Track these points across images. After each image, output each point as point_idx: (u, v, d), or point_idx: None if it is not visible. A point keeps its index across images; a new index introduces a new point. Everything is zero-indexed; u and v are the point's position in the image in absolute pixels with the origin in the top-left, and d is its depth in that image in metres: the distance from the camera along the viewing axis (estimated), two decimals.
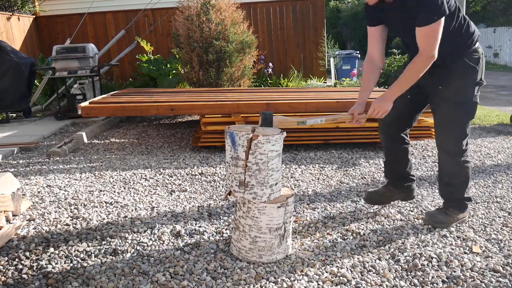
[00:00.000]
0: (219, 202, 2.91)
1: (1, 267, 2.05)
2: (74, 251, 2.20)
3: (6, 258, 2.13)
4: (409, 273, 1.99)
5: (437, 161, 3.88)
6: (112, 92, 5.70)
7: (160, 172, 3.61)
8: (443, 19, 2.05)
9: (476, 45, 2.26)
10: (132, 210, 2.77)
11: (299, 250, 2.21)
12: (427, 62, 2.12)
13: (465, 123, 2.30)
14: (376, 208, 2.77)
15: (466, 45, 2.24)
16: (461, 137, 2.30)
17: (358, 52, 10.94)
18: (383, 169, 2.81)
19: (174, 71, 7.28)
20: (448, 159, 2.37)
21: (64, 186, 3.28)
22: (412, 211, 2.72)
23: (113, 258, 2.14)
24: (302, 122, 2.24)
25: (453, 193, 2.44)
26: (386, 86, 7.13)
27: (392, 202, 2.81)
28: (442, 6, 2.03)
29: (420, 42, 2.11)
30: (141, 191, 3.15)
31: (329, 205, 2.85)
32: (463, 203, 2.46)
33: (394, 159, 2.66)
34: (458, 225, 2.48)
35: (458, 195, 2.44)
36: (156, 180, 3.41)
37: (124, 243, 2.29)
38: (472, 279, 1.92)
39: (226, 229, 2.46)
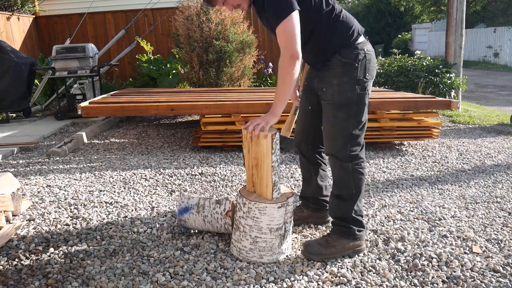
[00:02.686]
0: None
1: (1, 267, 2.05)
2: (74, 251, 2.20)
3: (6, 258, 2.13)
4: (409, 273, 1.99)
5: (437, 161, 3.90)
6: (112, 92, 5.70)
7: (160, 172, 3.61)
8: (293, 14, 1.88)
9: (358, 41, 2.07)
10: (132, 210, 2.77)
11: (299, 250, 2.21)
12: (292, 62, 1.91)
13: (349, 126, 2.06)
14: (376, 208, 2.77)
15: (341, 41, 2.05)
16: (345, 141, 2.07)
17: None
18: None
19: (174, 71, 7.27)
20: (335, 164, 2.14)
21: (64, 186, 3.28)
22: (412, 211, 2.72)
23: (113, 258, 2.14)
24: (296, 107, 2.31)
25: (341, 209, 2.15)
26: (386, 86, 7.13)
27: (393, 202, 2.81)
28: (287, 2, 1.88)
29: (279, 42, 1.94)
30: (141, 191, 3.15)
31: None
32: (350, 228, 2.13)
33: (306, 177, 2.48)
34: (456, 227, 2.47)
35: (343, 213, 2.14)
36: (156, 180, 3.41)
37: (124, 243, 2.29)
38: (472, 279, 1.92)
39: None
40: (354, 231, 2.14)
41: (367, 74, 2.07)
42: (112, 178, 3.47)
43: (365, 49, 2.07)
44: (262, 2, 1.97)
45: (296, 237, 2.36)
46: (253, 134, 2.00)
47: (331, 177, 2.22)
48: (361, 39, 2.09)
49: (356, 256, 2.15)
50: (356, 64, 2.04)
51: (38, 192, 3.15)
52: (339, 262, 2.08)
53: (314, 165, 2.40)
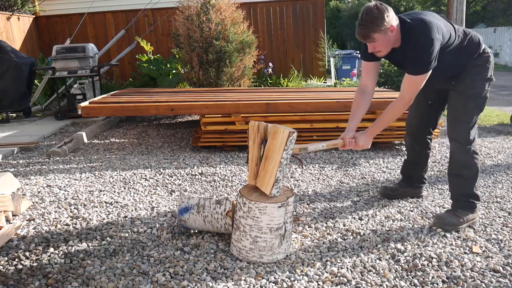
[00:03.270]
0: None
1: (1, 267, 2.05)
2: (74, 251, 2.20)
3: (6, 258, 2.13)
4: (409, 273, 1.99)
5: (437, 161, 3.89)
6: (112, 92, 5.70)
7: (160, 172, 3.61)
8: (428, 74, 2.26)
9: (483, 47, 2.45)
10: (132, 210, 2.77)
11: (299, 250, 2.21)
12: (405, 106, 2.38)
13: (475, 115, 2.44)
14: (376, 208, 2.77)
15: (474, 53, 2.43)
16: (470, 128, 2.43)
17: (358, 52, 10.92)
18: (402, 165, 2.99)
19: (174, 71, 7.28)
20: (458, 148, 2.46)
21: (64, 186, 3.28)
22: (412, 211, 2.72)
23: (113, 258, 2.14)
24: (304, 148, 2.30)
25: (463, 187, 2.49)
26: (386, 86, 7.13)
27: (392, 202, 2.83)
28: (429, 64, 2.23)
29: (403, 86, 2.36)
30: (141, 191, 3.15)
31: (329, 205, 2.85)
32: (471, 202, 2.48)
33: (414, 160, 2.87)
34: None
35: (467, 189, 2.48)
36: (156, 180, 3.41)
37: (124, 243, 2.29)
38: (472, 279, 1.92)
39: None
40: (475, 204, 2.50)
41: (492, 74, 2.48)
42: (112, 178, 3.47)
43: (490, 53, 2.48)
44: (406, 45, 2.30)
45: (296, 237, 2.36)
46: (350, 147, 2.45)
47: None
48: (484, 45, 2.47)
49: (356, 256, 2.15)
50: (487, 65, 2.45)
51: (38, 192, 3.15)
52: (339, 262, 2.08)
53: (426, 150, 2.82)
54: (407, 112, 2.81)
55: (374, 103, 4.15)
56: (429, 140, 2.81)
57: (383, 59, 2.50)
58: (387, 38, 2.26)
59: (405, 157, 2.98)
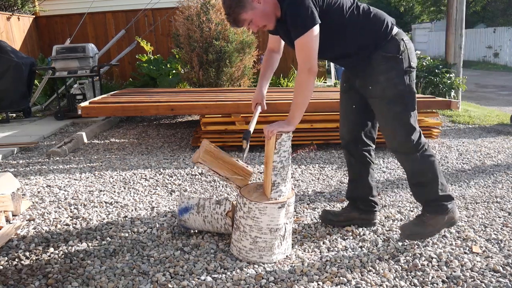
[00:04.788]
0: None
1: (1, 267, 2.05)
2: (74, 251, 2.20)
3: (6, 258, 2.13)
4: (409, 273, 1.99)
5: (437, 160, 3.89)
6: (112, 92, 5.70)
7: (160, 172, 3.61)
8: (314, 28, 1.93)
9: (393, 33, 2.09)
10: (132, 210, 2.77)
11: (299, 250, 2.21)
12: (309, 76, 1.99)
13: (407, 117, 2.11)
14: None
15: (378, 36, 2.08)
16: (407, 133, 2.11)
17: None
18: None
19: (174, 71, 7.28)
20: (403, 159, 2.20)
21: (64, 186, 3.27)
22: (412, 211, 2.72)
23: (113, 258, 2.14)
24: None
25: (426, 193, 2.22)
26: None
27: (393, 202, 2.81)
28: (309, 17, 1.92)
29: (297, 57, 2.00)
30: (141, 191, 3.15)
31: (329, 205, 2.85)
32: (440, 204, 2.21)
33: (354, 178, 2.46)
34: (456, 228, 2.47)
35: (430, 195, 2.20)
36: (156, 180, 3.41)
37: (124, 243, 2.29)
38: (472, 279, 1.92)
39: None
40: (446, 206, 2.21)
41: (411, 62, 2.11)
42: (112, 178, 3.47)
43: (404, 39, 2.10)
44: (284, 16, 2.01)
45: (296, 237, 2.36)
46: (266, 137, 2.07)
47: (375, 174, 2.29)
48: (396, 29, 2.12)
49: (357, 256, 2.15)
50: (400, 56, 2.07)
51: (38, 192, 3.15)
52: (339, 262, 2.08)
53: (364, 165, 2.41)
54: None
55: None
56: (366, 153, 2.38)
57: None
58: (259, 12, 2.01)
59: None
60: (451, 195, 2.24)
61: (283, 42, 2.37)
